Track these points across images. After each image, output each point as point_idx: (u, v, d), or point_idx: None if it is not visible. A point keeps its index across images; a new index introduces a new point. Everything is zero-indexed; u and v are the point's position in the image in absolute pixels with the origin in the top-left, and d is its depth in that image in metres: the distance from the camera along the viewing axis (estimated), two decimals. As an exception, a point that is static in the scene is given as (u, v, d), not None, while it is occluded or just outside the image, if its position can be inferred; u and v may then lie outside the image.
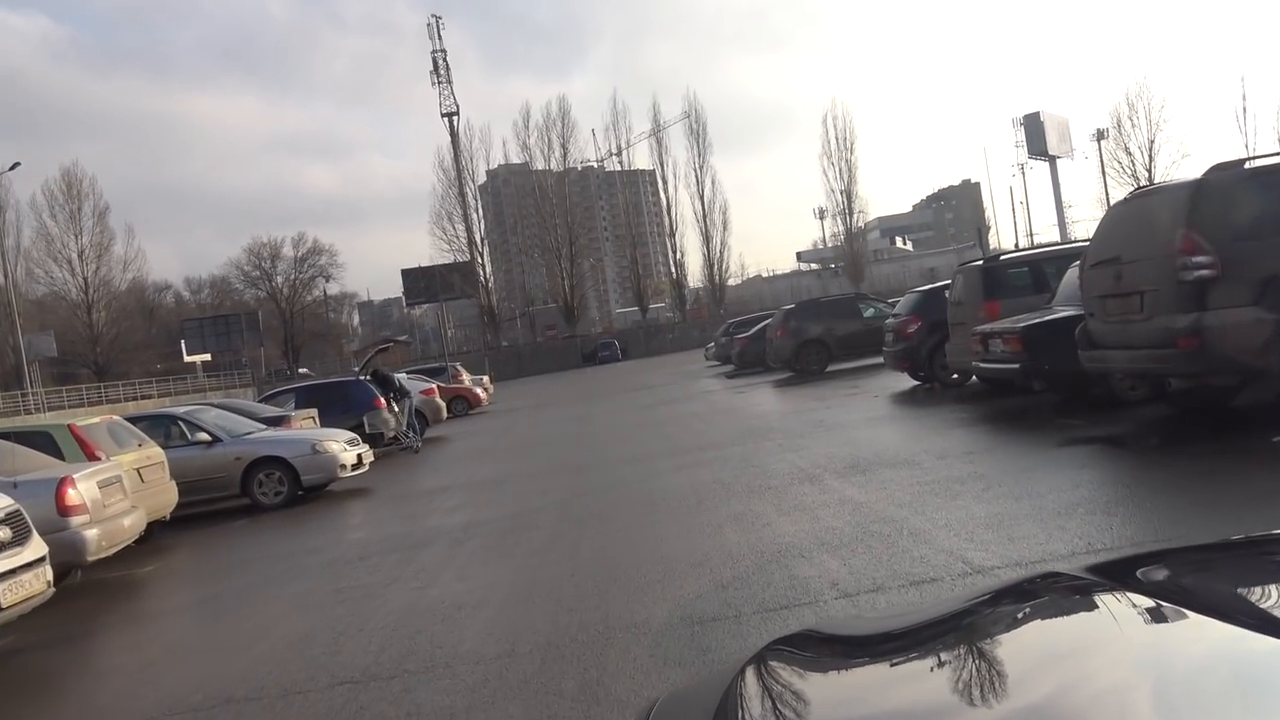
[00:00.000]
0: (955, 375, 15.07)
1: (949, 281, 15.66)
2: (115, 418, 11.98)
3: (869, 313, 23.91)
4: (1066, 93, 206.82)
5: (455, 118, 79.58)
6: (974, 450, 9.20)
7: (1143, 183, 78.41)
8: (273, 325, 78.41)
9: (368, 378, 19.88)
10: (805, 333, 23.52)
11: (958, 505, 6.83)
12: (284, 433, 14.15)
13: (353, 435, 13.97)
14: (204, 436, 13.03)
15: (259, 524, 11.96)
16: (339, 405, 19.01)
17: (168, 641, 6.78)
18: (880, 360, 24.12)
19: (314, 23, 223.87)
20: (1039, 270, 13.16)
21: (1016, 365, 10.58)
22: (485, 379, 37.24)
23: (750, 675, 1.32)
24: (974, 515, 6.46)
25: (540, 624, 5.46)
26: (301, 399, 19.04)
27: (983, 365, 11.62)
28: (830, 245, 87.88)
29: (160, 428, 13.58)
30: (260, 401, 19.49)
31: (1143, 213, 8.44)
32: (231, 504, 13.16)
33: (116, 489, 9.18)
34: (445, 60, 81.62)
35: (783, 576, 5.68)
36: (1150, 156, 76.90)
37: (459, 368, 34.93)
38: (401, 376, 21.99)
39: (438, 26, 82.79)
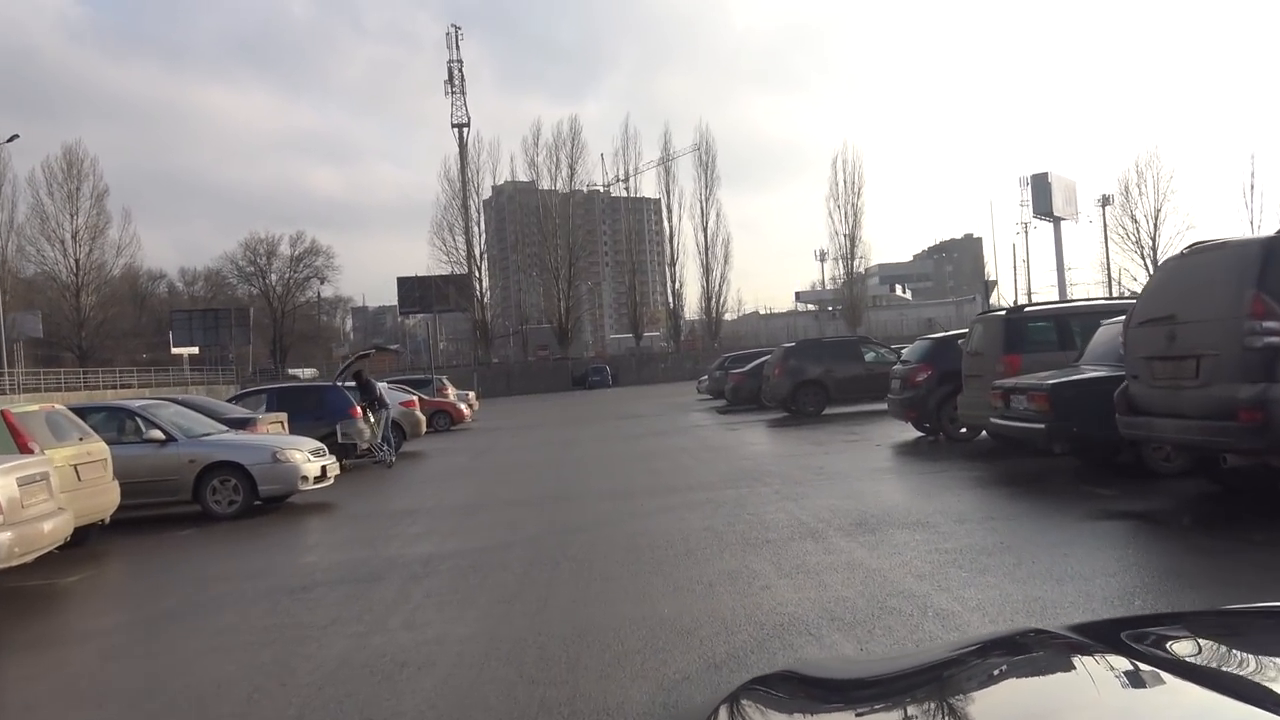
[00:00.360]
0: (964, 430, 14.21)
1: (965, 331, 14.86)
2: (57, 407, 11.00)
3: (870, 357, 23.10)
4: (1073, 156, 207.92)
5: (465, 129, 78.98)
6: (994, 516, 8.29)
7: (1146, 250, 78.75)
8: (263, 323, 77.24)
9: (348, 384, 18.92)
10: (804, 373, 22.68)
11: (988, 583, 5.91)
12: (245, 437, 13.15)
13: (319, 445, 12.99)
14: (157, 435, 12.02)
15: (206, 535, 10.96)
16: (313, 411, 18.04)
17: (59, 680, 5.78)
18: (880, 407, 23.28)
19: (334, 25, 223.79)
20: (1064, 325, 12.31)
21: (1041, 425, 9.69)
22: (471, 395, 36.27)
23: (724, 713, 1.32)
24: (1010, 598, 5.54)
25: (494, 699, 4.51)
26: (273, 402, 18.08)
27: (1001, 422, 10.73)
28: (830, 288, 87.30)
29: (114, 422, 12.61)
30: (230, 401, 18.49)
31: (1204, 269, 7.59)
32: (182, 510, 12.17)
33: (41, 488, 8.21)
34: (461, 71, 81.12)
35: (787, 659, 4.73)
36: (1155, 226, 76.77)
37: (445, 381, 33.94)
38: (382, 387, 21.01)
39: (456, 36, 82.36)
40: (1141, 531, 7.44)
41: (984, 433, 13.61)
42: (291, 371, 69.04)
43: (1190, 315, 7.44)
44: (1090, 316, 12.36)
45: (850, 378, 22.53)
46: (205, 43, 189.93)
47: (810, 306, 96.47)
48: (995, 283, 50.53)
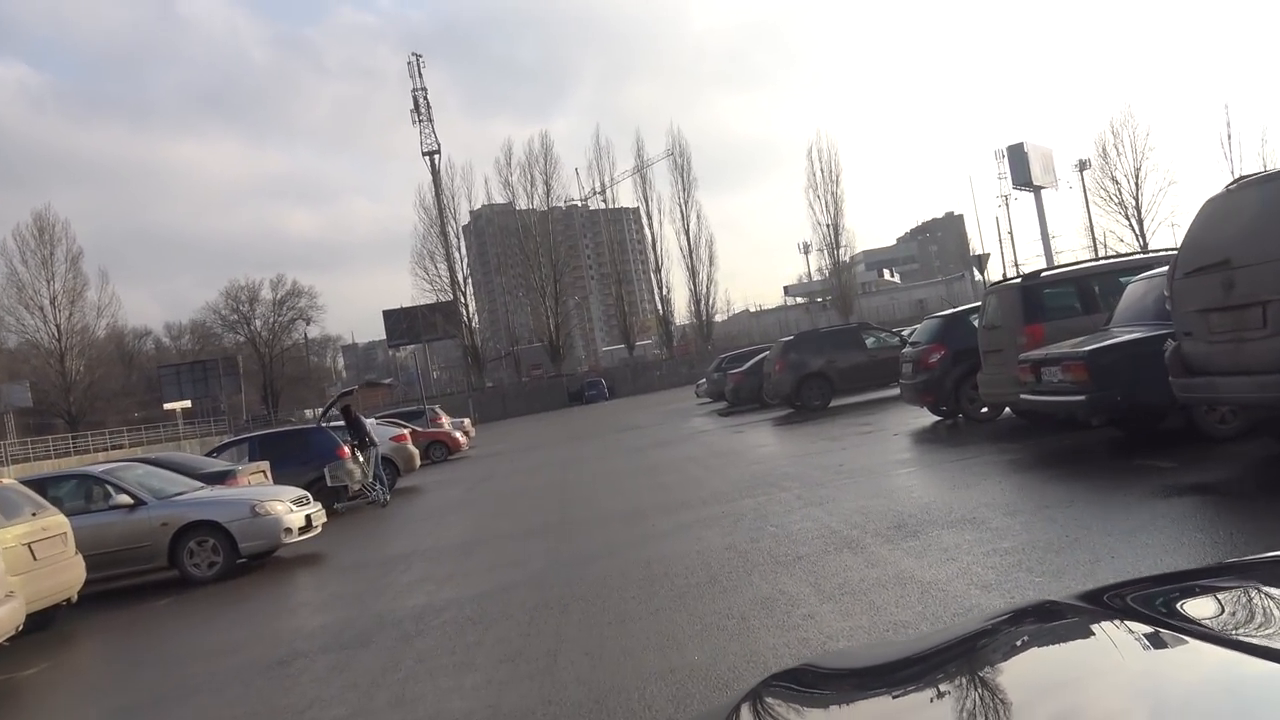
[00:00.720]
0: (985, 409, 13.37)
1: (975, 305, 14.00)
2: (9, 481, 10.07)
3: (872, 343, 22.29)
4: (1047, 123, 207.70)
5: (436, 156, 78.22)
6: (1048, 504, 7.40)
7: (1130, 210, 78.17)
8: (253, 370, 76.24)
9: (334, 424, 18.01)
10: (806, 366, 21.82)
11: (1069, 588, 5.02)
12: (220, 493, 12.22)
13: (301, 493, 12.08)
14: (125, 499, 11.09)
15: (184, 604, 10.03)
16: (298, 456, 17.12)
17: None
18: (887, 394, 22.48)
19: (295, 67, 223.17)
20: (1086, 288, 11.46)
21: (1081, 397, 8.81)
22: (466, 422, 35.35)
23: (746, 711, 1.30)
24: (1101, 606, 4.66)
25: (498, 805, 3.62)
26: (255, 450, 17.14)
27: (1033, 397, 9.86)
28: (817, 279, 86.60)
29: (80, 490, 11.73)
30: (210, 454, 17.53)
31: (1257, 205, 6.73)
32: (161, 576, 11.25)
33: (-19, 575, 7.29)
34: (426, 99, 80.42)
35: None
36: (1137, 185, 76.31)
37: (438, 411, 33.00)
38: (371, 423, 20.10)
39: (418, 65, 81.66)
40: (1223, 506, 6.55)
41: (1007, 411, 12.79)
42: (295, 416, 68.25)
43: (1249, 258, 6.58)
44: (1110, 276, 11.55)
45: (854, 366, 21.69)
46: (168, 99, 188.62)
47: (800, 299, 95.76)
48: (988, 255, 49.44)
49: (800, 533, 7.76)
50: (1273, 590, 1.32)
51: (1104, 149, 77.94)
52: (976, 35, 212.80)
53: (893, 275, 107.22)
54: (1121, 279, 10.89)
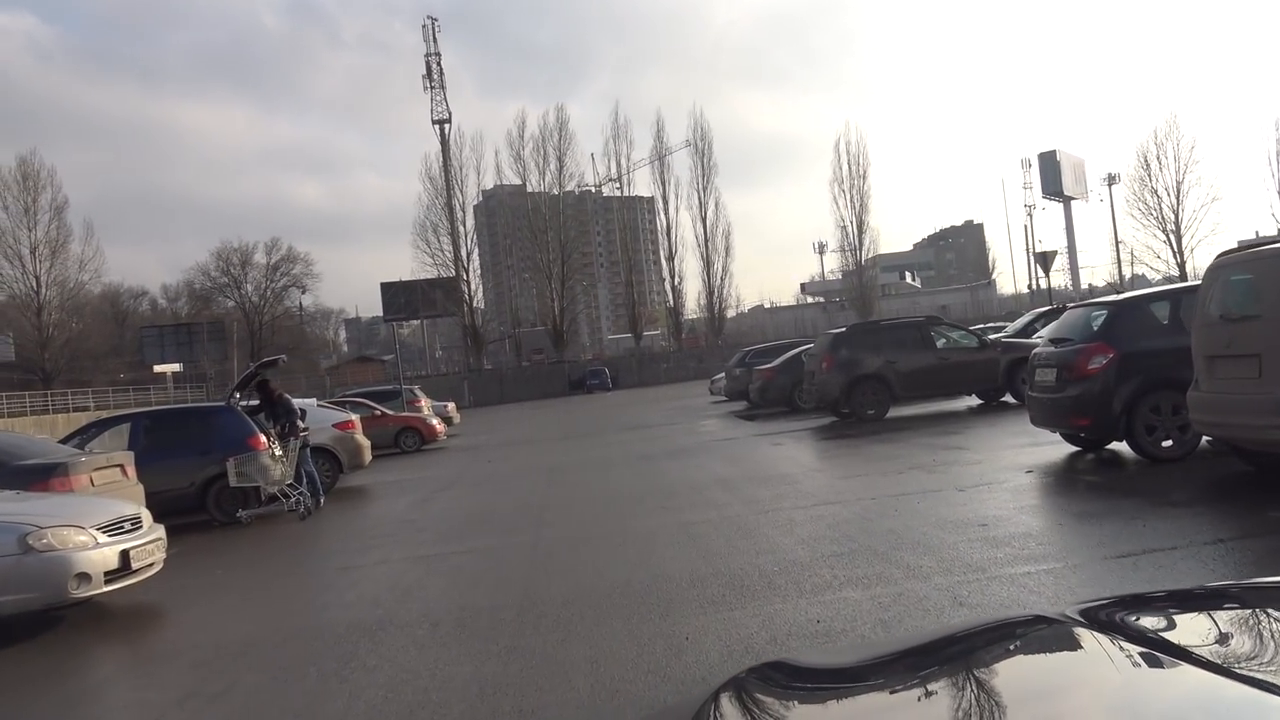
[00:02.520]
0: (1167, 442, 8.93)
1: (1156, 290, 9.50)
2: None
3: (943, 342, 17.77)
4: (1075, 136, 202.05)
5: (447, 125, 73.63)
6: None
7: (1169, 225, 73.41)
8: (245, 336, 71.79)
9: (249, 403, 13.59)
10: (860, 365, 17.33)
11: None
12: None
13: (129, 514, 7.59)
14: None
15: None
16: (196, 443, 12.71)
17: None
18: (953, 406, 18.03)
19: (308, 36, 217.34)
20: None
21: None
22: (450, 406, 30.97)
23: (723, 702, 1.28)
24: None
25: None
26: (139, 433, 12.68)
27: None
28: (838, 277, 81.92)
29: None
30: (71, 438, 13.01)
31: None
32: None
33: None
34: (439, 65, 75.77)
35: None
36: (1178, 199, 71.63)
37: (417, 392, 28.56)
38: (308, 404, 15.63)
39: (433, 29, 76.95)
40: None
41: (1205, 441, 8.33)
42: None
43: None
44: None
45: (919, 370, 17.23)
46: (178, 60, 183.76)
47: (816, 298, 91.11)
48: (1054, 253, 44.78)
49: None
50: (1264, 615, 1.30)
51: (1145, 159, 72.93)
52: (1004, 42, 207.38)
53: (913, 279, 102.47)
54: None
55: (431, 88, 74.83)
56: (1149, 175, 72.95)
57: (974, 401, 18.48)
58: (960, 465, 10.59)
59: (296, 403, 15.19)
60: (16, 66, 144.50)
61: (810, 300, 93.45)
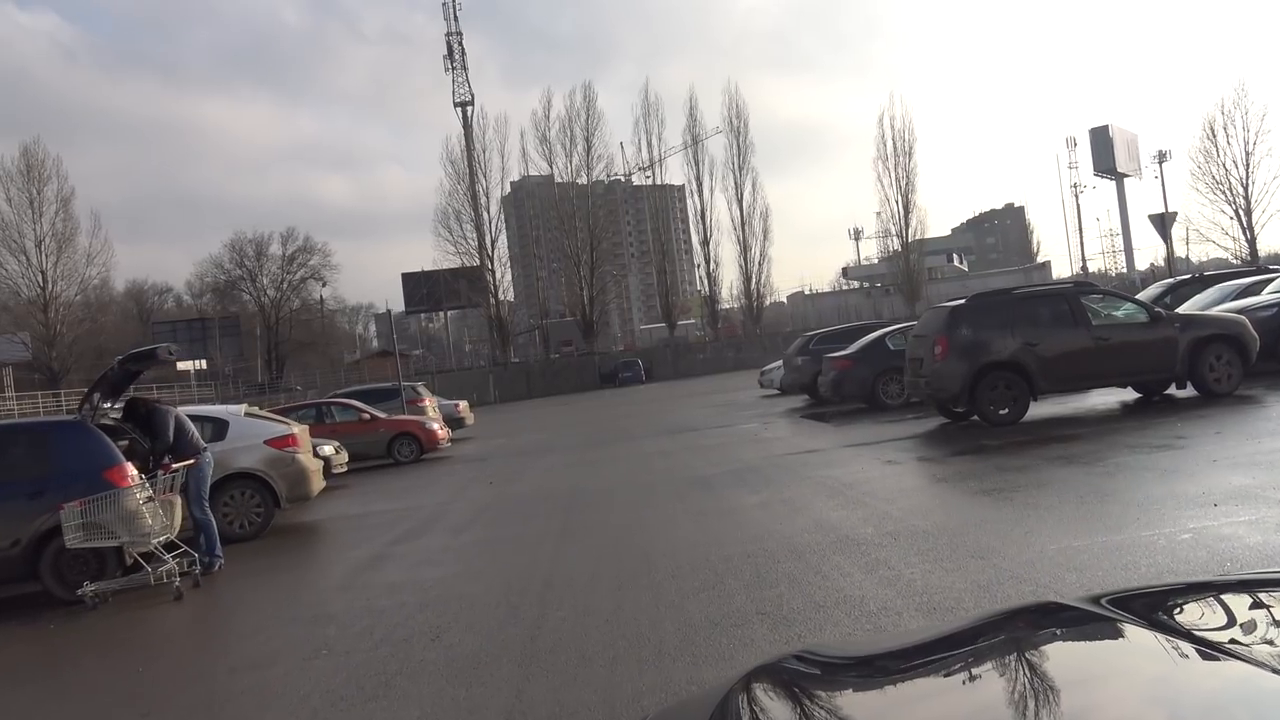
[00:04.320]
0: None
1: None
2: None
3: (1101, 318, 12.98)
4: (1112, 115, 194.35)
5: (469, 107, 69.05)
6: None
7: (1238, 202, 67.53)
8: (263, 331, 67.81)
9: (110, 417, 9.15)
10: (990, 349, 12.58)
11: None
12: None
13: None
14: None
15: None
16: (24, 478, 8.24)
17: None
18: (1114, 399, 13.30)
19: (329, 30, 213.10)
20: None
21: None
22: (461, 405, 26.44)
23: (740, 695, 1.25)
24: None
25: None
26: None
27: None
28: (868, 261, 76.61)
29: None
30: None
31: None
32: None
33: None
34: (461, 44, 71.27)
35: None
36: (1248, 171, 65.68)
37: (419, 390, 24.06)
38: (232, 413, 11.14)
39: (453, 6, 72.47)
40: None
41: None
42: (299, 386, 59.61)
43: None
44: None
45: (1071, 352, 12.47)
46: (199, 58, 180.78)
47: (858, 283, 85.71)
48: (1174, 214, 39.33)
49: None
50: (1268, 602, 1.28)
51: (1211, 129, 66.77)
52: (1035, 20, 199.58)
53: (961, 262, 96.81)
54: None
55: (453, 68, 70.41)
56: (1216, 147, 67.17)
57: (1126, 395, 13.71)
58: (1213, 498, 5.88)
59: (218, 410, 10.76)
60: (41, 65, 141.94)
61: (849, 286, 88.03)
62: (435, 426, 19.87)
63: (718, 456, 13.22)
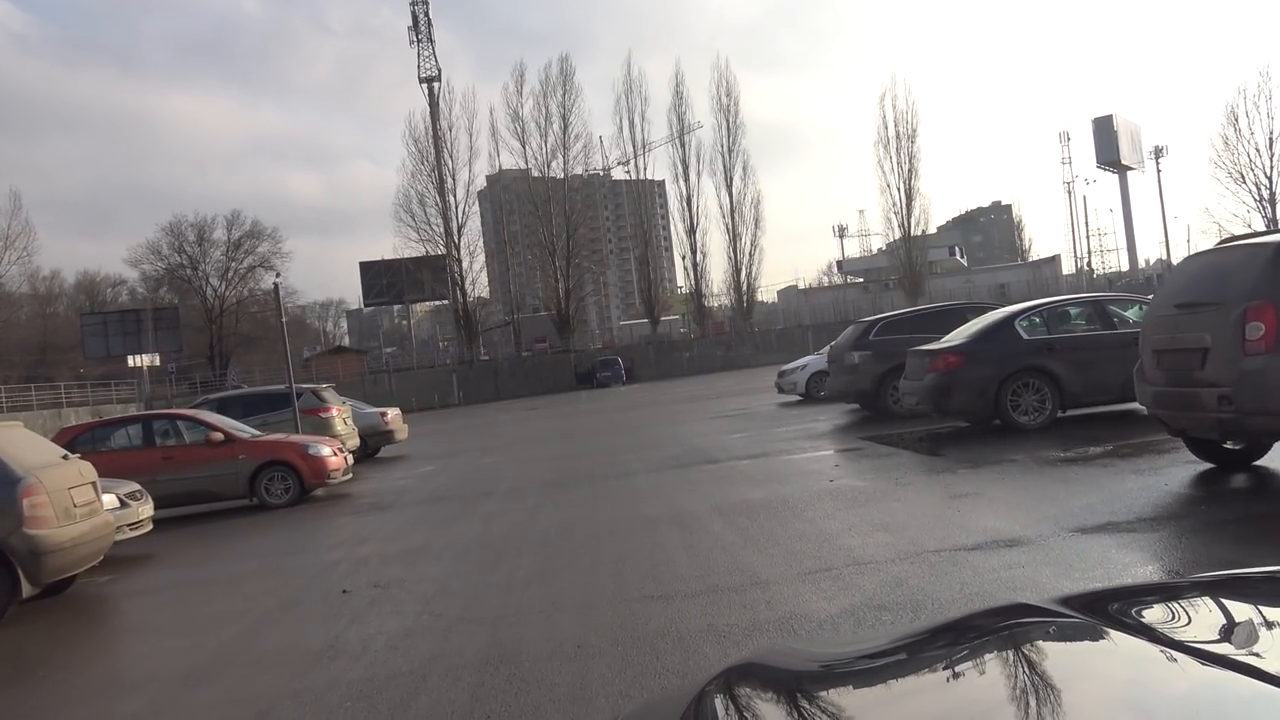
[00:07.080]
0: None
1: None
2: None
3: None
4: (1100, 111, 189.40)
5: (435, 84, 62.11)
6: None
7: (1262, 190, 61.84)
8: (198, 325, 60.47)
9: None
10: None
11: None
12: None
13: None
14: None
15: None
16: None
17: None
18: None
19: (293, 23, 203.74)
20: None
21: None
22: (389, 415, 19.58)
23: (713, 696, 1.22)
24: None
25: None
26: None
27: None
28: (878, 252, 70.30)
29: None
30: None
31: None
32: None
33: None
34: (426, 14, 64.29)
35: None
36: (1270, 159, 60.05)
37: (325, 396, 17.17)
38: None
39: (419, -26, 65.39)
40: None
41: None
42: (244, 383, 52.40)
43: None
44: None
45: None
46: (157, 48, 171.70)
47: (854, 279, 79.25)
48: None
49: None
50: (1237, 604, 1.27)
51: (1234, 115, 60.92)
52: (1022, 17, 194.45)
53: (961, 256, 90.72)
54: None
55: (419, 40, 63.35)
56: (1237, 133, 61.37)
57: None
58: None
59: None
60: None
61: (841, 281, 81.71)
62: (325, 451, 13.02)
63: (795, 541, 6.52)
